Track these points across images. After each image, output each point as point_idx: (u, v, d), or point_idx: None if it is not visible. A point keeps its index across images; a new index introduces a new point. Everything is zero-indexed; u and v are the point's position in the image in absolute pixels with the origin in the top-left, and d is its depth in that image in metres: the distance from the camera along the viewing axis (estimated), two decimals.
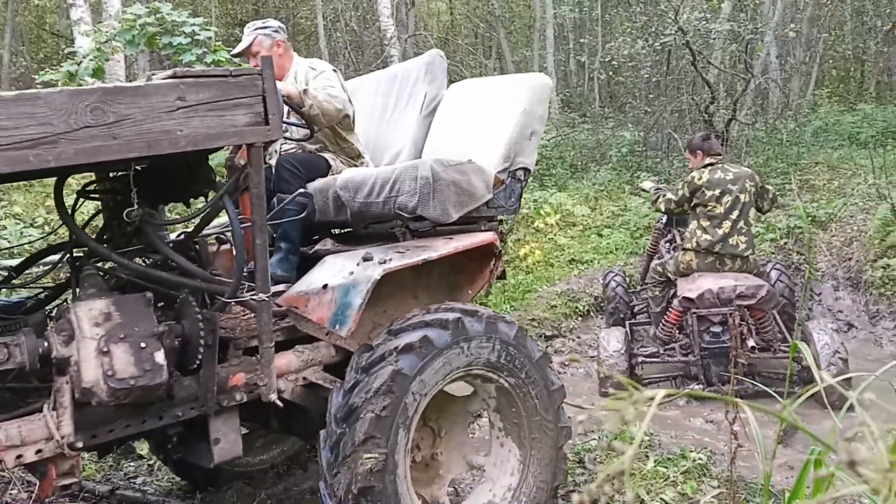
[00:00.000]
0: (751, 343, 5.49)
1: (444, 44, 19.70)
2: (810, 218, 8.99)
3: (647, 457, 4.27)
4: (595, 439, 4.64)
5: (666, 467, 4.11)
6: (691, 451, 4.30)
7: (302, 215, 3.72)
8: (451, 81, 4.68)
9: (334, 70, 4.22)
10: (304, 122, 3.97)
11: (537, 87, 3.97)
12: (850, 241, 8.50)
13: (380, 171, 3.61)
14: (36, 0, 18.69)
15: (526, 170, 3.89)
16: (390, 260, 3.06)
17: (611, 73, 16.24)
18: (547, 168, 12.68)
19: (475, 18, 20.71)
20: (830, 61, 19.56)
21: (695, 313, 5.65)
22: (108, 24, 9.14)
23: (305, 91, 3.85)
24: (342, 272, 3.07)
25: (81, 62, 8.22)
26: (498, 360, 3.24)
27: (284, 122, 3.87)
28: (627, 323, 7.02)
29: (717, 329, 5.61)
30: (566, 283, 8.51)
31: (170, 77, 2.46)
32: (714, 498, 3.85)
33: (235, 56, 4.61)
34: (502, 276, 3.90)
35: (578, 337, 7.68)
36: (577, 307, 8.00)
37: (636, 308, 7.50)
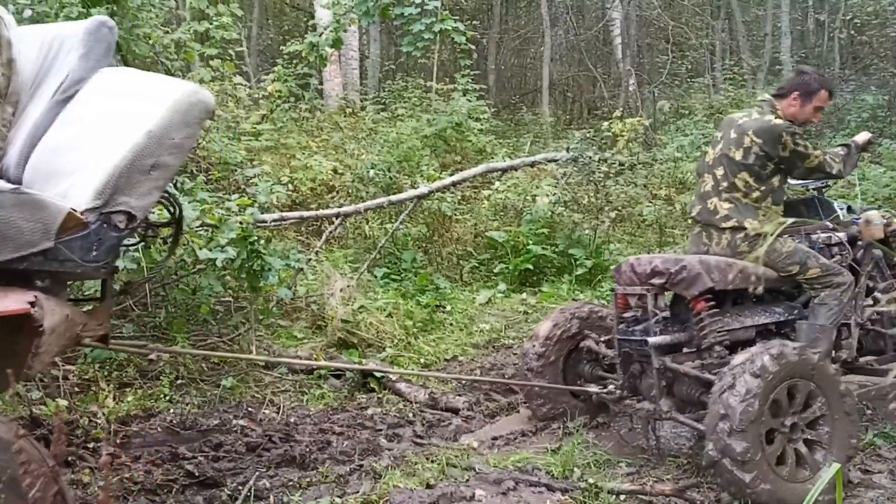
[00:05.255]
0: (652, 340, 4.00)
1: (669, 6, 19.07)
2: None
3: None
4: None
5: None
6: None
7: None
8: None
9: None
10: None
11: (183, 106, 2.81)
12: None
13: None
14: None
15: (130, 216, 2.69)
16: None
17: (853, 31, 15.07)
18: None
19: None
20: None
21: (615, 293, 4.38)
22: None
23: None
24: None
25: (322, 33, 8.92)
26: None
27: None
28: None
29: (629, 315, 4.29)
30: None
31: None
32: None
33: None
34: (103, 339, 2.90)
35: None
36: None
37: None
